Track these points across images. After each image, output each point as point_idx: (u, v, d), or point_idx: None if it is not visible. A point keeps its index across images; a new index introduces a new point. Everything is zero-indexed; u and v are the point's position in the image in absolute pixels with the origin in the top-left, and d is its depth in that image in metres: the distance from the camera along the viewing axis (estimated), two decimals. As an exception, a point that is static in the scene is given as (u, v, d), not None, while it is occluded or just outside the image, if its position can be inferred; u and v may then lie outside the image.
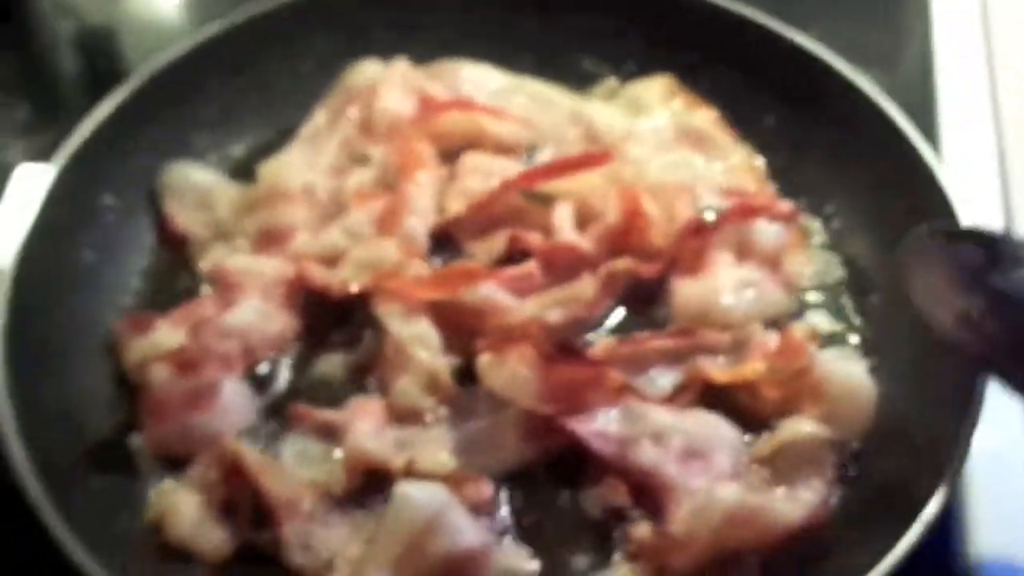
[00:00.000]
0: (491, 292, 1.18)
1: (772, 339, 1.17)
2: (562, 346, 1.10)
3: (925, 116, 1.47)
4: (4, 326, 1.09)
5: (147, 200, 1.32)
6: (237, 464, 1.08)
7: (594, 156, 1.29)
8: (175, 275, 1.29)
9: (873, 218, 1.28)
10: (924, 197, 1.22)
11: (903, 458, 1.08)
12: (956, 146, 1.47)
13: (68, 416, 1.11)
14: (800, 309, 1.24)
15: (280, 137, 1.42)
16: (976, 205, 1.21)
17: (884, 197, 1.28)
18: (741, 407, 1.15)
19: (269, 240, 1.28)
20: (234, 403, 1.14)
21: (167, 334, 1.18)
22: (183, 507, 1.06)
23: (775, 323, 1.21)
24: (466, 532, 1.03)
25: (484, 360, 1.12)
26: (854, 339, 1.22)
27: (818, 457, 1.09)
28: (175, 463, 1.11)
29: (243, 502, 1.07)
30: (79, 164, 1.24)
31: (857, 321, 1.23)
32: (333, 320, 1.23)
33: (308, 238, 1.28)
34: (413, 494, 1.03)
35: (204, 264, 1.28)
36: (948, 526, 1.12)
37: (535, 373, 1.09)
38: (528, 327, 1.13)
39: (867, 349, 1.20)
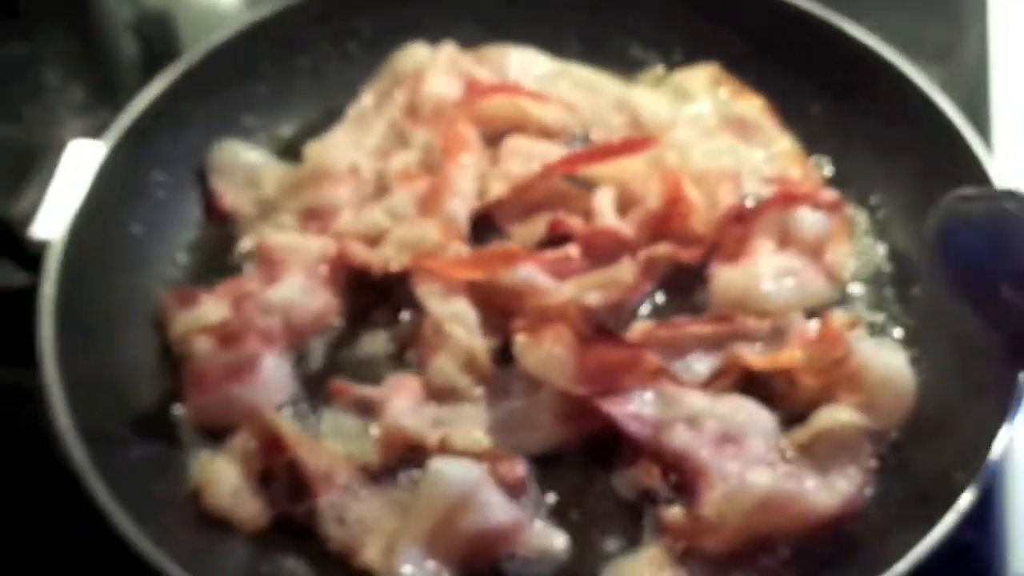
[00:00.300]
0: (530, 274, 1.19)
1: (811, 327, 1.17)
2: (599, 328, 1.10)
3: (978, 110, 1.45)
4: (53, 297, 1.11)
5: (196, 177, 1.35)
6: (275, 436, 1.10)
7: (636, 141, 1.29)
8: (221, 251, 1.31)
9: (920, 210, 1.23)
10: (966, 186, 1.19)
11: (941, 450, 1.06)
12: (1008, 140, 1.45)
13: (113, 386, 1.14)
14: (842, 299, 1.23)
15: (327, 118, 1.44)
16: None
17: (932, 188, 1.23)
18: (778, 394, 1.14)
19: (313, 218, 1.30)
20: (274, 377, 1.15)
21: (211, 308, 1.20)
22: (222, 476, 1.08)
23: (816, 312, 1.21)
24: (498, 509, 1.04)
25: (520, 340, 1.12)
26: (896, 330, 1.21)
27: (855, 446, 1.08)
28: (215, 434, 1.14)
29: (280, 474, 1.09)
30: (130, 140, 1.27)
31: (899, 312, 1.22)
32: (374, 299, 1.24)
33: (351, 217, 1.30)
34: (447, 469, 1.04)
35: (248, 241, 1.30)
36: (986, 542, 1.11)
37: (571, 354, 1.09)
38: (565, 308, 1.13)
39: (909, 340, 1.19)
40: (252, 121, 1.41)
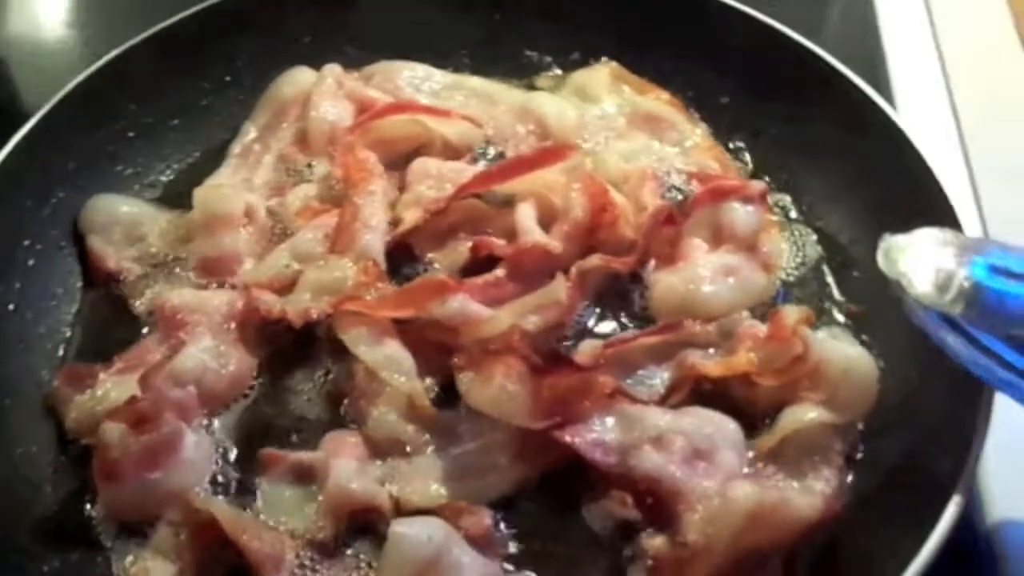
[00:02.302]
0: (462, 304, 1.10)
1: (759, 327, 1.12)
2: (550, 354, 1.03)
3: (876, 78, 1.45)
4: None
5: (69, 238, 1.21)
6: (207, 522, 0.98)
7: (552, 151, 1.23)
8: (111, 318, 1.18)
9: (843, 188, 1.24)
10: (890, 153, 1.18)
11: (912, 435, 1.03)
12: (906, 99, 1.45)
13: (10, 491, 1.00)
14: (783, 292, 1.19)
15: (208, 157, 1.33)
16: (934, 151, 1.17)
17: (853, 165, 1.23)
18: (737, 401, 1.09)
19: (211, 270, 1.19)
20: (195, 456, 1.04)
21: (112, 387, 1.08)
22: (156, 579, 0.96)
23: (758, 310, 1.16)
24: (470, 568, 0.96)
25: (465, 379, 1.04)
26: (839, 317, 1.17)
27: (825, 444, 1.04)
28: (135, 529, 1.01)
29: (218, 563, 0.98)
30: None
31: (841, 298, 1.18)
32: (293, 352, 1.14)
33: (254, 265, 1.19)
34: (409, 533, 0.94)
35: (142, 303, 1.18)
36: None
37: (524, 387, 1.01)
38: (507, 338, 1.05)
39: (856, 326, 1.15)
40: (123, 169, 1.29)
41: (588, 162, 1.23)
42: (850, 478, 1.03)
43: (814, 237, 1.24)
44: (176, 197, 1.28)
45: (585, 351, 1.10)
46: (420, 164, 1.26)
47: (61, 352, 1.15)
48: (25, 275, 1.15)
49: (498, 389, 1.02)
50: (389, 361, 1.08)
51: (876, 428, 1.06)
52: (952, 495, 0.91)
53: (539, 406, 1.02)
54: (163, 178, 1.31)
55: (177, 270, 1.20)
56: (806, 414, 1.04)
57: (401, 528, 0.95)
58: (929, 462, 0.98)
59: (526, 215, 1.20)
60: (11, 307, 1.13)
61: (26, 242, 1.17)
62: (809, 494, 1.00)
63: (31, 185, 1.18)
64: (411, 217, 1.21)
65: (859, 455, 1.05)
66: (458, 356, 1.06)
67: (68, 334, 1.16)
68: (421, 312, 1.11)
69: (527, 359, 1.02)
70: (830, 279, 1.20)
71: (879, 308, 1.14)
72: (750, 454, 1.04)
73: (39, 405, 1.09)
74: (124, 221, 1.22)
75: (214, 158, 1.32)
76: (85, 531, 1.01)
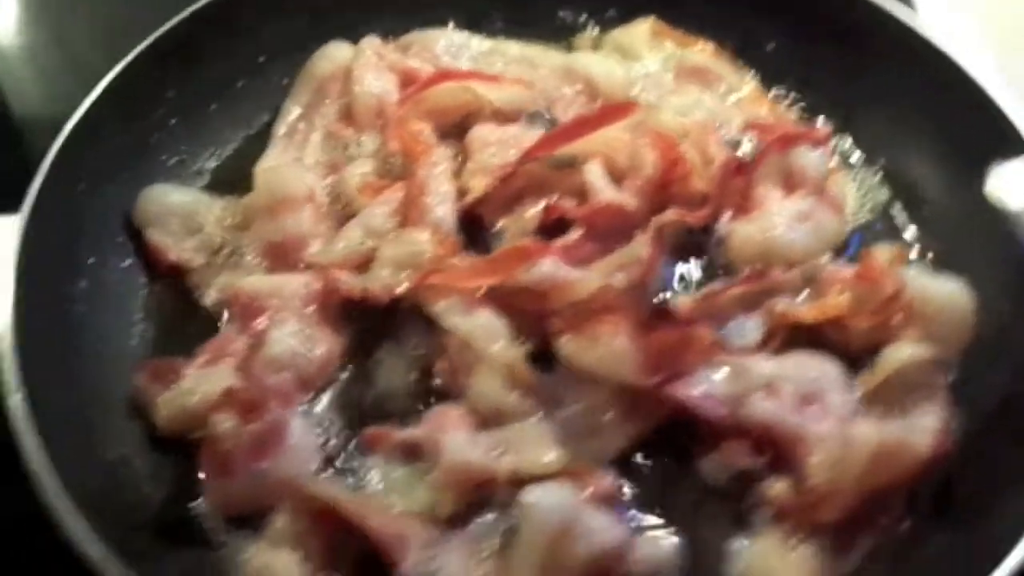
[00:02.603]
0: (550, 268, 1.08)
1: (844, 269, 1.12)
2: (656, 311, 1.02)
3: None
4: (24, 406, 0.93)
5: (125, 233, 1.16)
6: (327, 508, 0.95)
7: (617, 108, 1.21)
8: (180, 311, 1.14)
9: (901, 127, 1.24)
10: (945, 87, 1.19)
11: (1014, 366, 1.04)
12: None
13: (114, 494, 0.96)
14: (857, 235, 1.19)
15: (250, 141, 1.29)
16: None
17: (906, 99, 1.23)
18: (829, 344, 1.09)
19: (278, 254, 1.15)
20: (302, 441, 1.01)
21: (199, 380, 1.04)
22: (282, 570, 0.93)
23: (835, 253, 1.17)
24: (603, 529, 0.94)
25: (567, 341, 1.03)
26: (914, 254, 1.18)
27: (928, 381, 1.04)
28: (247, 522, 0.98)
29: (345, 549, 0.95)
30: (44, 210, 1.08)
31: (915, 236, 1.19)
32: (378, 329, 1.11)
33: (325, 245, 1.15)
34: (542, 503, 0.93)
35: (211, 293, 1.14)
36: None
37: (632, 344, 1.00)
38: (603, 297, 1.04)
39: (936, 261, 1.16)
40: (167, 159, 1.24)
41: (646, 119, 1.22)
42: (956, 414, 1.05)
43: (877, 178, 1.24)
44: (224, 184, 1.24)
45: (682, 305, 1.09)
46: (479, 131, 1.23)
47: (137, 350, 1.10)
48: (89, 274, 1.11)
49: (606, 348, 1.00)
50: (484, 331, 1.06)
51: (975, 362, 1.07)
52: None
53: (647, 362, 1.01)
54: (208, 165, 1.26)
55: (240, 257, 1.16)
56: (907, 351, 1.04)
57: (533, 498, 0.94)
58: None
59: (597, 174, 1.18)
60: (82, 308, 1.08)
61: (85, 241, 1.12)
62: (921, 431, 1.01)
63: (82, 184, 1.13)
64: (479, 185, 1.18)
65: (961, 392, 1.06)
66: (554, 320, 1.05)
67: (140, 330, 1.12)
68: (509, 279, 1.08)
69: (632, 316, 1.01)
70: (902, 218, 1.21)
71: (955, 243, 1.16)
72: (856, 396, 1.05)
73: (124, 406, 1.04)
74: (180, 211, 1.17)
75: (257, 141, 1.28)
76: (195, 529, 0.98)
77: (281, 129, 1.28)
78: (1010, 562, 0.88)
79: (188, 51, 1.24)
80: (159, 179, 1.21)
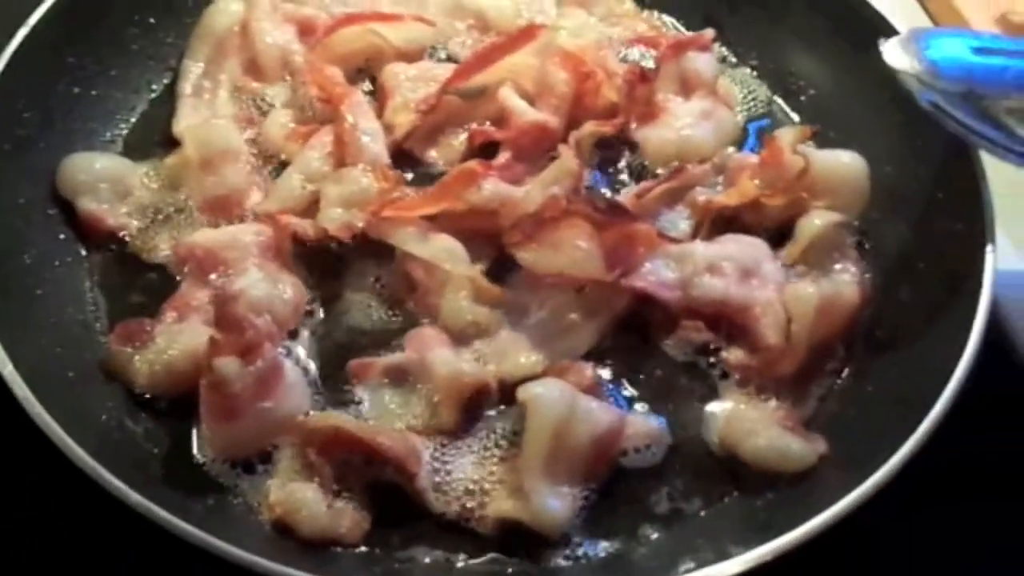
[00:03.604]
0: (495, 187, 1.14)
1: (750, 156, 1.24)
2: (611, 208, 1.09)
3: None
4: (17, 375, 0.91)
5: (55, 204, 1.13)
6: (332, 437, 0.98)
7: (525, 32, 1.26)
8: (127, 275, 1.12)
9: (767, 26, 1.36)
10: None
11: (916, 214, 1.18)
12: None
13: (121, 457, 0.94)
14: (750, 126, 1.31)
15: (156, 104, 1.27)
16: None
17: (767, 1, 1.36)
18: (747, 225, 1.20)
19: (221, 208, 1.15)
20: (296, 378, 1.03)
21: (174, 335, 1.03)
22: (306, 501, 0.95)
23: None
24: (599, 412, 1.02)
25: (528, 251, 1.09)
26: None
27: (840, 241, 1.18)
28: (248, 465, 1.00)
29: (353, 474, 0.98)
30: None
31: (800, 121, 1.32)
32: (336, 267, 1.13)
33: (266, 195, 1.16)
34: (544, 392, 1.00)
35: (158, 254, 1.13)
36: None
37: (593, 243, 1.08)
38: (552, 207, 1.11)
39: (821, 141, 1.28)
40: (79, 128, 1.20)
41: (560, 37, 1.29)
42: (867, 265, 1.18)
43: (754, 75, 1.36)
44: (137, 149, 1.22)
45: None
46: (393, 70, 1.26)
47: (96, 317, 1.08)
48: (28, 248, 1.07)
49: (572, 250, 1.07)
50: (446, 253, 1.10)
51: (875, 219, 1.21)
52: (984, 248, 1.07)
53: (607, 258, 1.09)
54: (118, 132, 1.23)
55: (178, 216, 1.16)
56: (820, 219, 1.17)
57: (536, 389, 1.00)
58: (946, 228, 1.13)
59: (513, 98, 1.24)
60: (30, 283, 1.05)
61: (18, 215, 1.08)
62: (846, 283, 1.14)
63: (2, 159, 1.09)
64: (405, 120, 1.22)
65: (867, 245, 1.20)
66: (510, 233, 1.11)
67: (92, 297, 1.10)
68: (459, 202, 1.13)
69: (590, 217, 1.08)
70: (783, 105, 1.34)
71: (835, 122, 1.29)
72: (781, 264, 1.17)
73: (97, 372, 1.03)
74: (107, 177, 1.15)
75: (161, 104, 1.26)
76: (206, 477, 0.98)
77: (186, 88, 1.26)
78: (948, 390, 1.00)
79: (80, 18, 1.20)
80: (76, 149, 1.17)
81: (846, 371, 1.12)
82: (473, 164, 1.16)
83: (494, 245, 1.14)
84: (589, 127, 1.23)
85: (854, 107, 1.27)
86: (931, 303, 1.10)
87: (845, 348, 1.12)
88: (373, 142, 1.18)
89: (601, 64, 1.28)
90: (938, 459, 0.96)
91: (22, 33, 1.14)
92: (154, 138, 1.23)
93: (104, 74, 1.23)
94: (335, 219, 1.11)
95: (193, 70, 1.28)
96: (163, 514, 0.85)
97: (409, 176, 1.20)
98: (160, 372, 1.02)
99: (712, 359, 1.11)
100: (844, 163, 1.20)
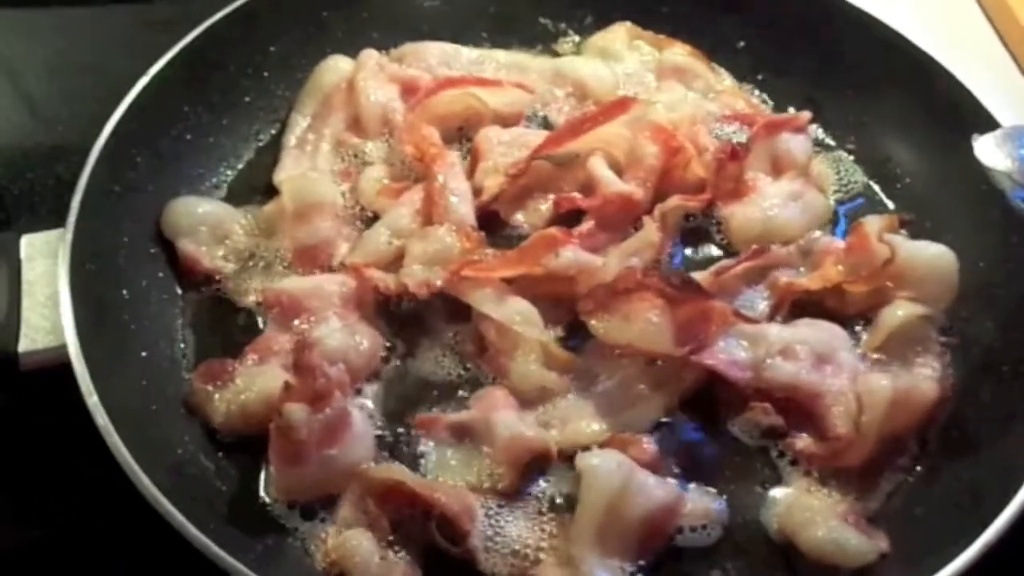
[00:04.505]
0: (575, 254, 1.16)
1: (837, 241, 1.23)
2: (684, 284, 1.10)
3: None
4: (102, 407, 0.96)
5: (158, 245, 1.20)
6: (392, 489, 1.01)
7: (618, 104, 1.29)
8: (219, 316, 1.18)
9: (867, 109, 1.36)
10: (905, 69, 1.32)
11: (997, 313, 1.16)
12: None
13: (190, 491, 0.99)
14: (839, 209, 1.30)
15: (262, 152, 1.34)
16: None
17: (869, 89, 1.35)
18: (828, 311, 1.19)
19: (310, 258, 1.20)
20: (363, 428, 1.06)
21: (253, 377, 1.08)
22: (360, 549, 0.97)
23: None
24: (656, 488, 1.02)
25: (601, 320, 1.10)
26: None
27: (923, 335, 1.16)
28: (312, 509, 1.03)
29: (410, 529, 1.01)
30: (85, 226, 1.11)
31: (894, 208, 1.30)
32: (414, 323, 1.17)
33: (351, 247, 1.21)
34: (601, 464, 1.01)
35: (248, 298, 1.18)
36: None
37: (665, 318, 1.08)
38: (627, 279, 1.12)
39: (914, 230, 1.27)
40: (189, 173, 1.27)
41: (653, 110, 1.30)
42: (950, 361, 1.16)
43: (851, 159, 1.36)
44: (240, 195, 1.29)
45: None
46: (487, 133, 1.30)
47: (183, 354, 1.14)
48: (128, 285, 1.14)
49: (644, 323, 1.08)
50: (520, 315, 1.13)
51: (961, 314, 1.18)
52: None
53: (678, 334, 1.09)
54: (224, 178, 1.30)
55: (269, 262, 1.21)
56: (903, 310, 1.15)
57: (593, 460, 1.01)
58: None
59: (602, 168, 1.26)
60: (126, 317, 1.11)
61: (123, 253, 1.15)
62: (925, 378, 1.12)
63: (115, 199, 1.16)
64: (494, 183, 1.25)
65: (951, 344, 1.17)
66: (585, 302, 1.12)
67: (183, 336, 1.15)
68: (537, 267, 1.16)
69: (663, 292, 1.09)
70: (881, 192, 1.32)
71: (929, 212, 1.27)
72: (859, 353, 1.16)
73: (180, 409, 1.08)
74: (208, 221, 1.21)
75: (267, 154, 1.33)
76: (268, 517, 1.02)
77: (291, 140, 1.33)
78: (1019, 496, 0.97)
79: (199, 69, 1.29)
80: (182, 193, 1.24)
81: (918, 468, 1.09)
82: (554, 230, 1.18)
83: (569, 311, 1.16)
84: (675, 201, 1.24)
85: (950, 198, 1.26)
86: (1011, 407, 1.08)
87: (919, 445, 1.10)
88: (461, 203, 1.21)
89: (692, 139, 1.30)
90: (1003, 565, 0.93)
91: (142, 82, 1.22)
92: (256, 185, 1.29)
93: (216, 123, 1.30)
94: (416, 275, 1.15)
95: (300, 123, 1.34)
96: (218, 551, 0.88)
97: (494, 238, 1.24)
98: (235, 412, 1.06)
99: (779, 444, 1.10)
100: (932, 255, 1.18)
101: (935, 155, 1.29)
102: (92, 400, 0.96)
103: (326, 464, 1.01)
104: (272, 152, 1.33)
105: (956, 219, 1.24)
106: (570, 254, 1.16)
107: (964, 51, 1.43)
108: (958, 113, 1.26)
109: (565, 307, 1.16)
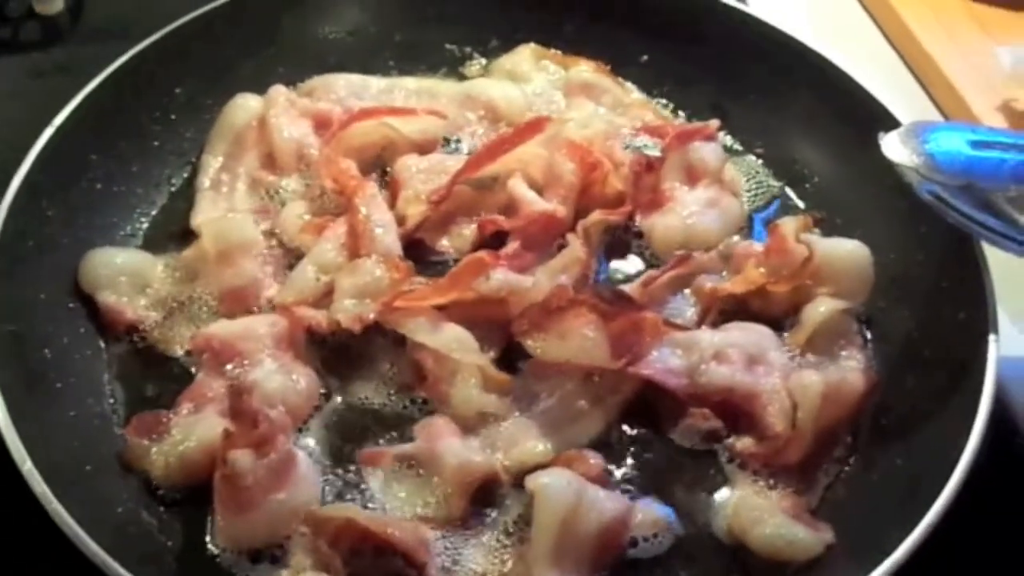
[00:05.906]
0: (504, 276, 1.17)
1: (755, 244, 1.26)
2: (616, 298, 1.12)
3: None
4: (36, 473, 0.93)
5: (75, 298, 1.16)
6: (343, 528, 0.99)
7: (533, 124, 1.30)
8: (145, 367, 1.15)
9: (772, 114, 1.40)
10: (809, 74, 1.36)
11: (917, 305, 1.20)
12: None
13: (134, 548, 0.96)
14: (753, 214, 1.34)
15: (175, 198, 1.32)
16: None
17: (774, 94, 1.39)
18: (753, 312, 1.22)
19: (237, 300, 1.19)
20: (308, 469, 1.04)
21: (190, 427, 1.06)
22: (318, 592, 0.96)
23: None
24: (607, 501, 1.03)
25: (537, 339, 1.11)
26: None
27: (845, 328, 1.19)
28: (261, 555, 1.01)
29: (368, 564, 1.00)
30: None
31: (805, 208, 1.34)
32: (348, 358, 1.16)
33: (278, 286, 1.19)
34: (552, 482, 1.01)
35: (175, 346, 1.16)
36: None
37: (600, 332, 1.10)
38: (559, 297, 1.13)
39: (827, 228, 1.31)
40: (101, 223, 1.24)
41: (554, 132, 1.32)
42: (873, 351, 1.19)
43: (760, 162, 1.39)
44: (158, 242, 1.26)
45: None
46: (405, 162, 1.30)
47: (113, 409, 1.11)
48: (50, 342, 1.10)
49: (580, 339, 1.09)
50: (456, 342, 1.13)
51: (880, 306, 1.22)
52: (986, 336, 1.08)
53: (613, 347, 1.11)
54: (139, 226, 1.27)
55: (193, 308, 1.19)
56: (825, 306, 1.18)
57: (544, 479, 1.01)
58: (949, 316, 1.14)
59: (522, 188, 1.27)
60: (51, 376, 1.08)
61: (41, 310, 1.12)
62: (852, 370, 1.15)
63: (27, 255, 1.13)
64: (416, 211, 1.25)
65: (872, 335, 1.21)
66: (519, 322, 1.13)
67: (110, 390, 1.12)
68: (468, 292, 1.16)
69: (596, 307, 1.11)
70: (793, 193, 1.36)
71: (840, 210, 1.32)
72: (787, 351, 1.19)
73: (115, 464, 1.05)
74: (127, 271, 1.18)
75: (181, 198, 1.31)
76: (218, 568, 1.00)
77: (205, 182, 1.31)
78: (955, 477, 1.00)
79: (104, 117, 1.26)
80: (97, 244, 1.21)
81: (853, 459, 1.12)
82: (482, 254, 1.19)
83: (504, 333, 1.16)
84: (596, 216, 1.26)
85: (858, 195, 1.30)
86: (936, 390, 1.11)
87: (851, 436, 1.13)
88: (386, 233, 1.21)
89: (608, 154, 1.32)
90: (945, 545, 0.96)
91: (47, 134, 1.19)
92: (173, 231, 1.27)
93: (125, 170, 1.28)
94: (348, 310, 1.14)
95: (212, 164, 1.32)
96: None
97: (421, 265, 1.23)
98: (175, 464, 1.04)
99: (719, 447, 1.12)
100: (848, 251, 1.21)
101: (840, 153, 1.33)
102: (27, 467, 0.93)
103: (274, 509, 1.00)
104: (186, 196, 1.31)
105: (866, 214, 1.28)
106: (500, 276, 1.16)
107: (853, 52, 1.48)
108: (857, 112, 1.30)
109: (499, 330, 1.17)
